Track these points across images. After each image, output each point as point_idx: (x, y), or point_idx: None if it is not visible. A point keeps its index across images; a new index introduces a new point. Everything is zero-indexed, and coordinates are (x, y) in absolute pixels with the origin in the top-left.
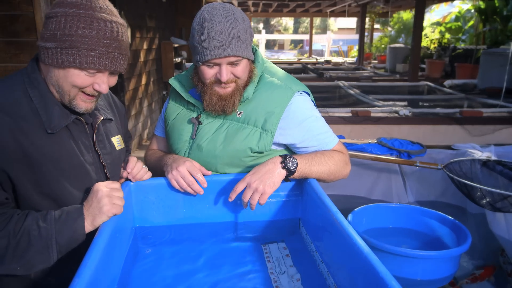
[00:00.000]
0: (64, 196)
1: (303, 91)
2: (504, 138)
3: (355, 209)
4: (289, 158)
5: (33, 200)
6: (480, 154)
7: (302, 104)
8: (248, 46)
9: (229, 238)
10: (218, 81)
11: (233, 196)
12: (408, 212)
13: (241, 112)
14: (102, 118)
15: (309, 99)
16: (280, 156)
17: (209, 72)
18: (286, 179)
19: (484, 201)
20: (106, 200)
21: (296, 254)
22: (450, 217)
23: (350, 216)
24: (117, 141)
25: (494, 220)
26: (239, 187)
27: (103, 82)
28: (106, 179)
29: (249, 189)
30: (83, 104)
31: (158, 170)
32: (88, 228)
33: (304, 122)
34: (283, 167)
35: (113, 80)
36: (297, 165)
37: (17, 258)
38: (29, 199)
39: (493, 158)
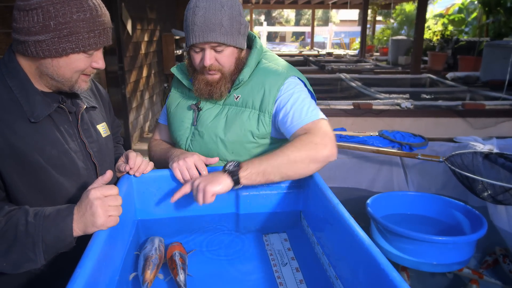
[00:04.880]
0: (52, 185)
1: (298, 78)
2: (506, 131)
3: (373, 196)
4: (230, 163)
5: (20, 191)
6: (482, 147)
7: (294, 85)
8: (234, 33)
9: (231, 231)
10: (205, 67)
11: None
12: (423, 199)
13: (238, 96)
14: (85, 106)
15: (302, 84)
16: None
17: (195, 57)
18: (235, 183)
19: (485, 193)
20: (101, 212)
21: (297, 246)
22: (464, 203)
23: (369, 202)
24: (102, 129)
25: (495, 213)
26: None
27: (100, 58)
28: (95, 167)
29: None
30: (84, 84)
31: (162, 161)
32: (77, 232)
33: (292, 96)
34: (224, 171)
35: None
36: (238, 164)
37: (3, 252)
38: (16, 190)
39: (495, 150)
